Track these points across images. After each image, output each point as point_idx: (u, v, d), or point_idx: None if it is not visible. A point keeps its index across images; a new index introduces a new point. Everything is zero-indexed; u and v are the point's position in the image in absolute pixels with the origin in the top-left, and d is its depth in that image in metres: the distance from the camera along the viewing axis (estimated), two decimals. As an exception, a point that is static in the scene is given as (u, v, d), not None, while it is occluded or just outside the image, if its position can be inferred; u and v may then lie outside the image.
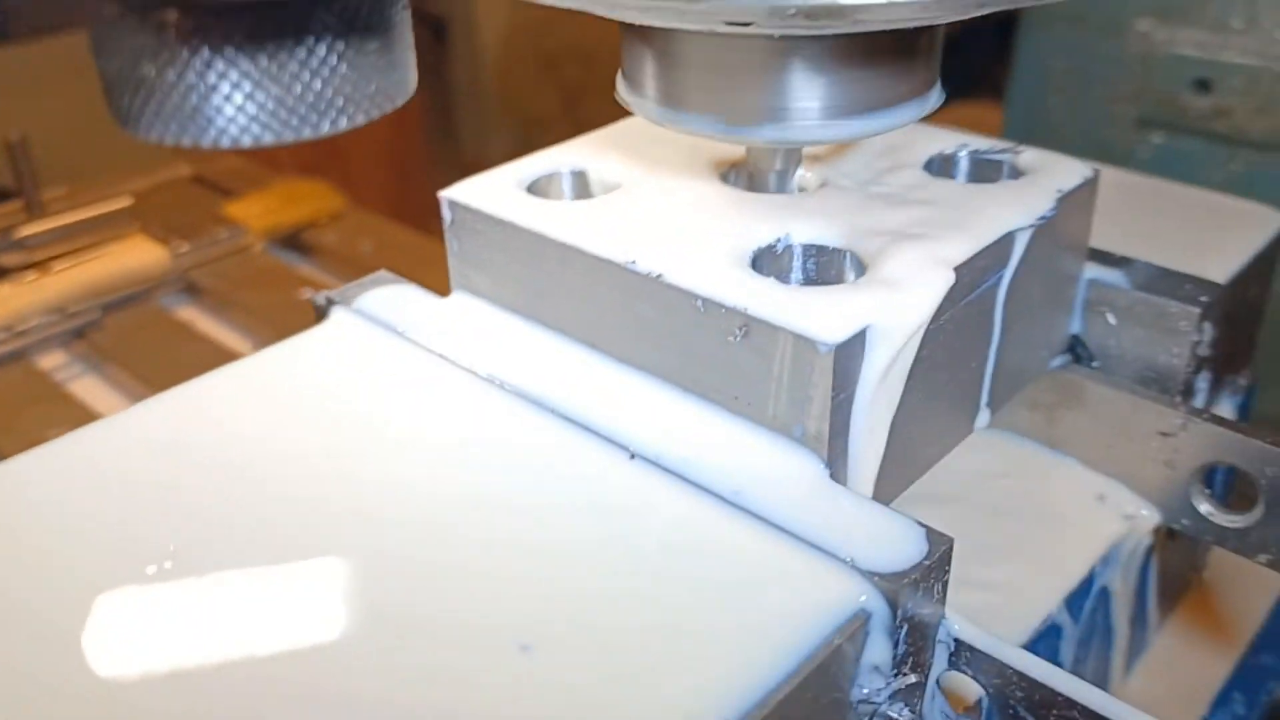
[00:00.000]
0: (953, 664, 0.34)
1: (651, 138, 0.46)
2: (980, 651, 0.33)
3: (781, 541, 0.32)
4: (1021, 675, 0.32)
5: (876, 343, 0.34)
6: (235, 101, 0.25)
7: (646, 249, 0.37)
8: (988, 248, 0.38)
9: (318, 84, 0.25)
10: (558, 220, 0.40)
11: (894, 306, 0.34)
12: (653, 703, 0.28)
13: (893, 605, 0.31)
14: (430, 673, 0.29)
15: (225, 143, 0.25)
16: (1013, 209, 0.39)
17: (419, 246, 1.01)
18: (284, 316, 0.87)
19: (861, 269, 0.37)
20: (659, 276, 0.36)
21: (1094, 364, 0.46)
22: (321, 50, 0.25)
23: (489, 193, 0.42)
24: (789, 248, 0.38)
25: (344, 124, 0.26)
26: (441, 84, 2.31)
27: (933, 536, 0.32)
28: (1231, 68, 0.88)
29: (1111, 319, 0.45)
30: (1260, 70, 0.86)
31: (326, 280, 0.95)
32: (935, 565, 0.31)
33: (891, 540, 0.32)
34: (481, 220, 0.41)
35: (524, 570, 0.32)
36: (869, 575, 0.31)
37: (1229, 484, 0.47)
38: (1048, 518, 0.45)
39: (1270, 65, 0.86)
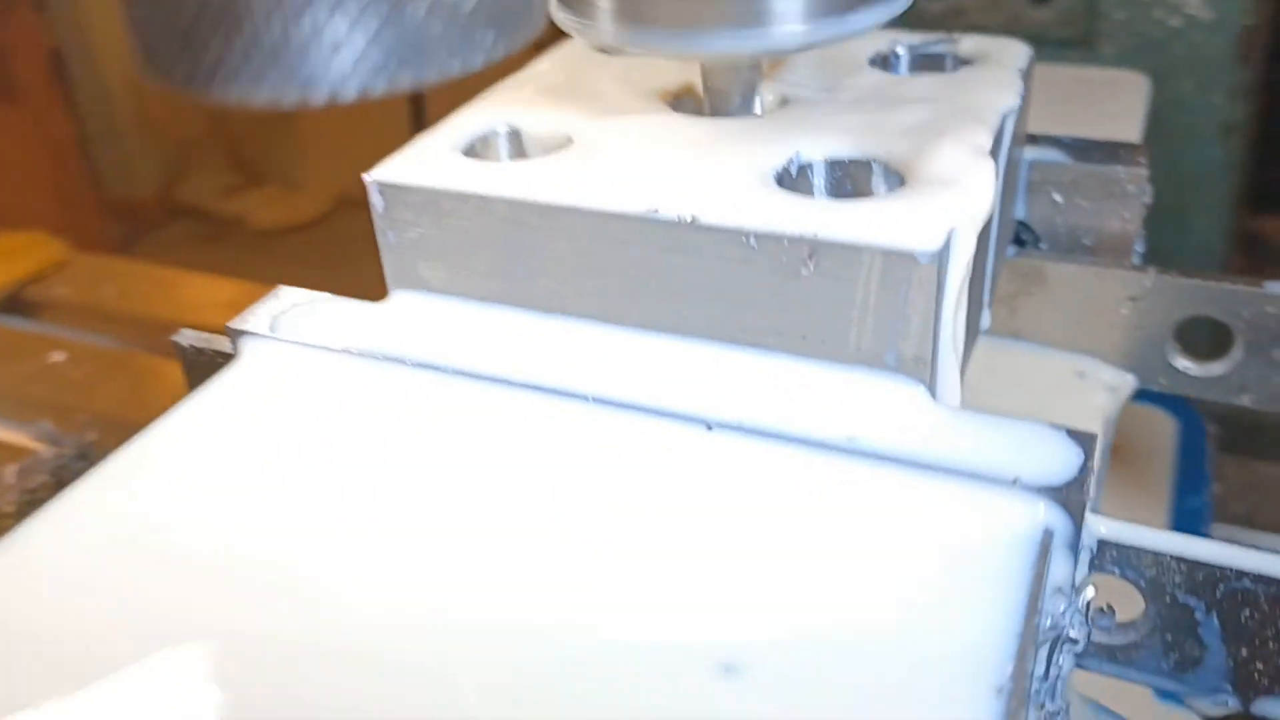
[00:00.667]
0: (1095, 567, 0.31)
1: (575, 80, 0.40)
2: (1129, 546, 0.31)
3: (937, 480, 0.28)
4: (1179, 559, 0.30)
5: (956, 245, 0.31)
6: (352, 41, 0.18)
7: (656, 194, 0.32)
8: (998, 133, 0.35)
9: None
10: (534, 181, 0.34)
11: (963, 204, 0.31)
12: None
13: (1073, 517, 0.28)
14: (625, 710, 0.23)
15: (324, 94, 0.18)
16: (996, 92, 0.38)
17: (168, 278, 0.90)
18: (34, 390, 0.74)
19: (893, 176, 0.33)
20: (692, 220, 0.31)
21: (1041, 246, 0.46)
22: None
23: (428, 167, 0.35)
24: (806, 166, 0.34)
25: (467, 65, 0.20)
26: (73, 119, 2.07)
27: (1079, 437, 0.29)
28: (962, -33, 0.91)
29: (1058, 197, 0.44)
30: (987, -34, 0.91)
31: (70, 340, 0.81)
32: (1092, 467, 0.29)
33: (1040, 450, 0.29)
34: (430, 199, 0.35)
35: (687, 579, 0.27)
36: (1042, 491, 0.28)
37: (1199, 336, 0.47)
38: (1039, 404, 0.44)
39: (996, -40, 0.90)
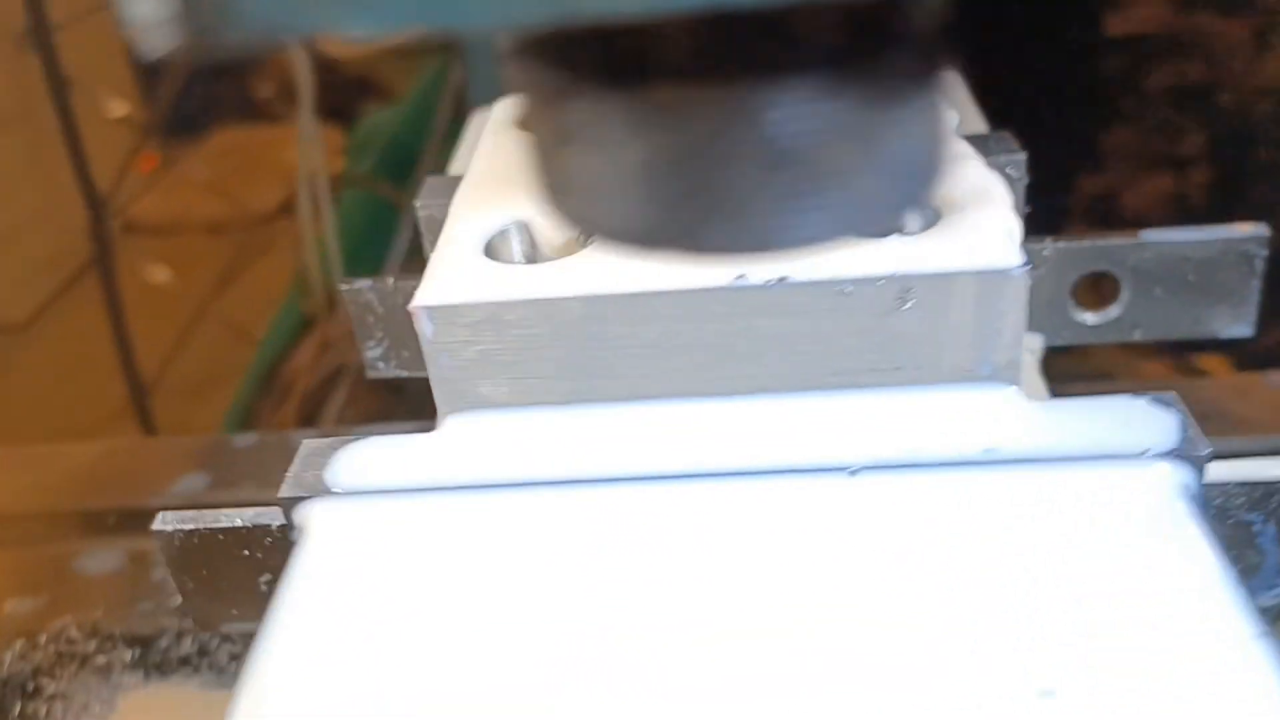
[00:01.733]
0: (1172, 508, 0.35)
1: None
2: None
3: (1081, 467, 0.31)
4: (1241, 484, 0.35)
5: (1015, 254, 0.34)
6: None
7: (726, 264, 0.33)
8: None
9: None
10: (603, 274, 0.33)
11: (1005, 211, 0.34)
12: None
13: (1198, 471, 0.31)
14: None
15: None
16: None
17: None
18: None
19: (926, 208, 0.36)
20: (782, 279, 0.32)
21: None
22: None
23: (476, 280, 0.34)
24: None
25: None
26: None
27: (1161, 400, 0.33)
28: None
29: (953, 192, 0.49)
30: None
31: None
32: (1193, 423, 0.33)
33: (1142, 419, 0.33)
34: (492, 313, 0.33)
35: (932, 619, 0.28)
36: (1168, 454, 0.31)
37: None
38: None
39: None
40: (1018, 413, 0.33)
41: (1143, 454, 0.31)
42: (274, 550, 0.38)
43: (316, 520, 0.33)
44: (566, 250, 0.36)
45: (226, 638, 0.62)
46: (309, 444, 0.35)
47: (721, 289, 0.32)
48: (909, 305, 0.32)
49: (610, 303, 0.33)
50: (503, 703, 0.27)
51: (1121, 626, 0.27)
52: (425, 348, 0.34)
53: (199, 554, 0.38)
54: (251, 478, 0.72)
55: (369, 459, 0.34)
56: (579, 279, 0.33)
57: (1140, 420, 0.32)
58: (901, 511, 0.31)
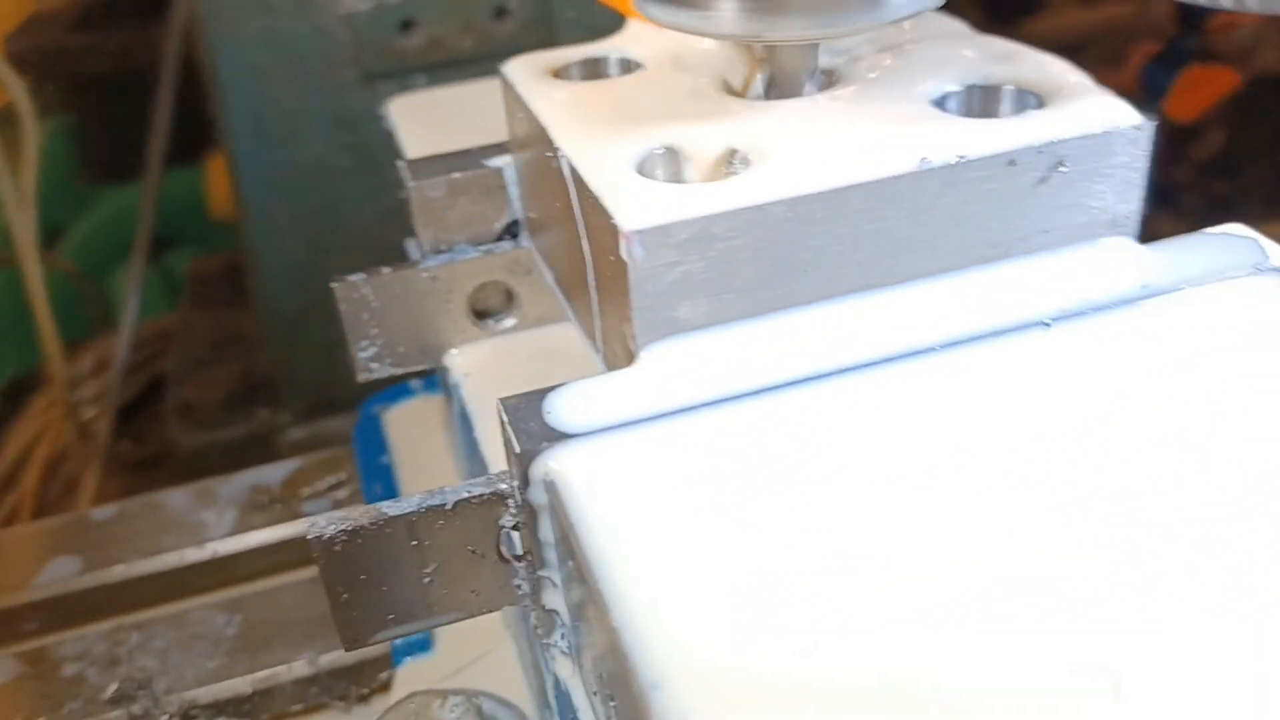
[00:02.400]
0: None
1: (637, 93, 0.40)
2: None
3: (1224, 285, 0.36)
4: None
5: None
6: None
7: (901, 150, 0.35)
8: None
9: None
10: (793, 177, 0.34)
11: (1101, 89, 0.38)
12: None
13: (1294, 275, 0.37)
14: None
15: None
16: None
17: None
18: None
19: (1026, 95, 0.39)
20: (960, 159, 0.35)
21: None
22: None
23: (676, 200, 0.33)
24: (943, 98, 0.39)
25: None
26: None
27: (1240, 230, 0.39)
28: (425, 2, 0.95)
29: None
30: (443, -6, 0.95)
31: None
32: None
33: (1234, 244, 0.38)
34: (702, 228, 0.33)
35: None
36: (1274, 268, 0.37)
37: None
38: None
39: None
40: (1142, 254, 0.37)
41: (1255, 269, 0.37)
42: (443, 534, 0.35)
43: (569, 466, 0.31)
44: (715, 171, 0.36)
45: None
46: (510, 400, 0.33)
47: (909, 174, 0.34)
48: (1065, 169, 0.36)
49: (810, 202, 0.34)
50: (858, 570, 0.27)
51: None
52: (633, 276, 0.33)
53: (360, 555, 0.35)
54: (132, 548, 0.64)
55: (585, 401, 0.33)
56: (775, 184, 0.34)
57: (1231, 244, 0.38)
58: (1095, 349, 0.34)
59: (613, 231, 0.33)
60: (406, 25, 0.96)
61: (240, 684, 0.57)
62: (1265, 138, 1.46)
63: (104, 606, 0.62)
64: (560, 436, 0.32)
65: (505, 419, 0.33)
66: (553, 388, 0.34)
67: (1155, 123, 0.36)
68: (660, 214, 0.33)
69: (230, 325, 1.22)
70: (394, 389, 0.68)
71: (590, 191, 0.35)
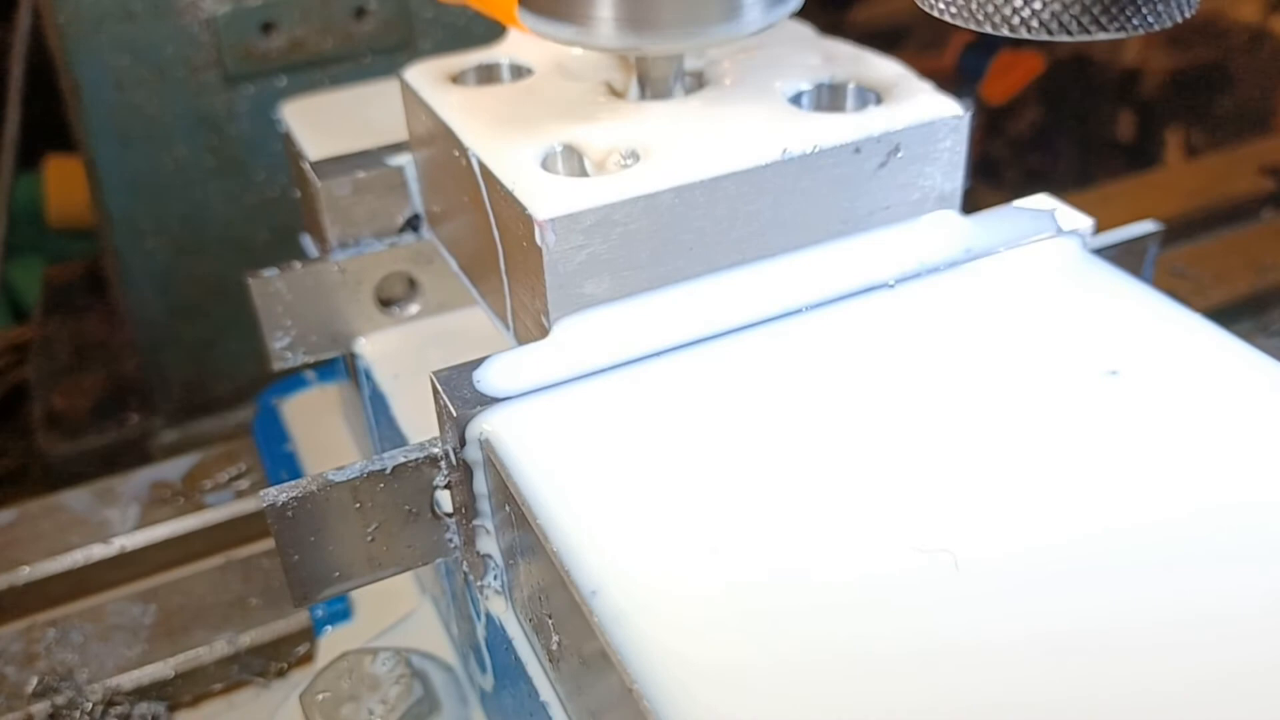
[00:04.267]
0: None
1: (530, 95, 0.45)
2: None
3: (1029, 249, 0.43)
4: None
5: (932, 112, 0.45)
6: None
7: (763, 142, 0.41)
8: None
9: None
10: (675, 168, 0.39)
11: (927, 85, 0.45)
12: None
13: (1084, 241, 0.45)
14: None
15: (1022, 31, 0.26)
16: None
17: None
18: None
19: (867, 92, 0.45)
20: (815, 148, 0.41)
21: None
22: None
23: (577, 191, 0.38)
24: (798, 96, 0.45)
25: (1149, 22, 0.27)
26: None
27: (1045, 200, 0.46)
28: (285, 4, 0.97)
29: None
30: (307, -3, 0.98)
31: None
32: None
33: (1027, 216, 0.45)
34: (604, 215, 0.38)
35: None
36: (1071, 232, 0.44)
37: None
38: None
39: (311, -9, 0.98)
40: (964, 224, 0.44)
41: (1056, 234, 0.44)
42: (383, 496, 0.40)
43: (502, 425, 0.36)
44: (607, 165, 0.42)
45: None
46: (441, 373, 0.38)
47: (774, 163, 0.40)
48: (900, 154, 0.42)
49: (693, 190, 0.39)
50: (796, 492, 0.33)
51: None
52: (546, 259, 0.38)
53: (309, 519, 0.39)
54: (39, 549, 0.65)
55: (510, 370, 0.38)
56: (664, 175, 0.39)
57: (1035, 216, 0.45)
58: (936, 303, 0.41)
59: (525, 221, 0.38)
60: (267, 27, 0.98)
61: (162, 668, 0.59)
62: (1069, 114, 1.60)
63: (14, 607, 0.63)
64: (490, 401, 0.37)
65: (440, 388, 0.37)
66: (479, 360, 0.38)
67: (971, 111, 0.43)
68: (568, 204, 0.38)
69: (92, 332, 1.21)
70: (289, 381, 0.71)
71: (501, 186, 0.39)
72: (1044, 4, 0.27)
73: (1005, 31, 0.27)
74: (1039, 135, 1.60)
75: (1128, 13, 0.27)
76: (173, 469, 0.71)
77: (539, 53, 0.49)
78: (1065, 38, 0.27)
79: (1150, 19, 0.27)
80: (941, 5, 0.29)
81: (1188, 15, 0.28)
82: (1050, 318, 0.40)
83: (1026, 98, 1.56)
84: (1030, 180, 1.52)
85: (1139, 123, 1.58)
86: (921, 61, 0.45)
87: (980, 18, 0.28)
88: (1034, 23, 0.27)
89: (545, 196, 0.38)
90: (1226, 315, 0.80)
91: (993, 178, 1.55)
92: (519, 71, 0.49)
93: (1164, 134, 1.55)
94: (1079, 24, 0.27)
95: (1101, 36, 0.27)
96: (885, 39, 1.68)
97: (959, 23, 0.28)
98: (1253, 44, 1.48)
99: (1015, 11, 0.27)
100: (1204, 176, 0.97)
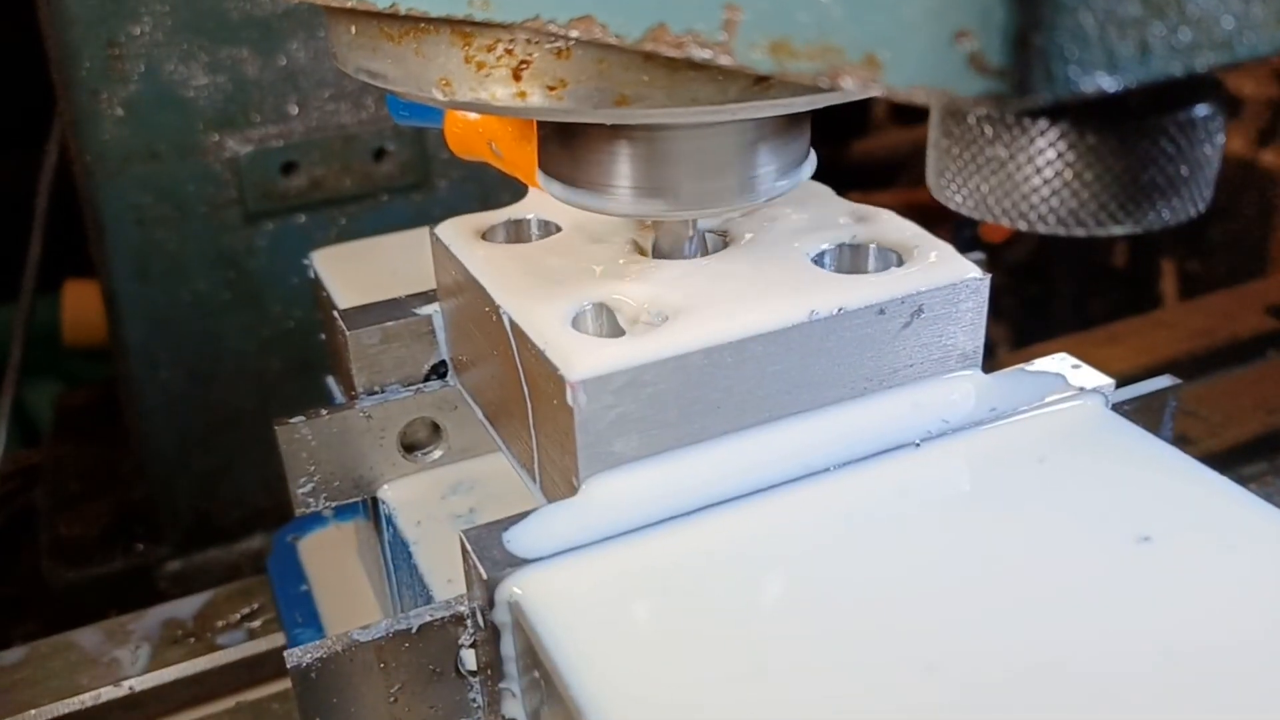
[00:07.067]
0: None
1: (554, 256, 0.46)
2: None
3: (1053, 409, 0.44)
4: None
5: (952, 272, 0.46)
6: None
7: (789, 304, 0.42)
8: (854, 208, 0.51)
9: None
10: (701, 330, 0.40)
11: (947, 247, 0.46)
12: None
13: (1107, 399, 0.46)
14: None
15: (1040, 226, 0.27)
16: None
17: None
18: None
19: (888, 253, 0.46)
20: (840, 310, 0.42)
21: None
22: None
23: (609, 352, 0.39)
24: (820, 255, 0.46)
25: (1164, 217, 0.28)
26: None
27: (1069, 359, 0.47)
28: (306, 145, 1.00)
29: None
30: (328, 139, 1.00)
31: None
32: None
33: (1049, 380, 0.46)
34: (634, 376, 0.39)
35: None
36: (1094, 391, 0.45)
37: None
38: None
39: (332, 133, 1.00)
40: (988, 383, 0.45)
41: (1080, 391, 0.45)
42: (407, 655, 0.39)
43: (533, 589, 0.36)
44: (636, 324, 0.43)
45: None
46: (470, 532, 0.38)
47: (801, 324, 0.41)
48: (923, 315, 0.43)
49: (721, 351, 0.40)
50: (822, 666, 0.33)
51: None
52: (578, 418, 0.38)
53: (333, 680, 0.38)
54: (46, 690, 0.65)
55: (540, 530, 0.38)
56: (693, 336, 0.40)
57: (1053, 376, 0.46)
58: (961, 461, 0.41)
59: (556, 380, 0.39)
60: (288, 168, 1.00)
61: (169, 816, 0.58)
62: (1066, 243, 1.63)
63: (20, 752, 0.62)
64: (520, 562, 0.37)
65: (469, 548, 0.38)
66: (510, 519, 0.39)
67: (989, 276, 0.44)
68: (599, 365, 0.38)
69: (102, 458, 1.21)
70: (307, 519, 0.71)
71: (533, 345, 0.40)
72: (1061, 201, 0.28)
73: (1022, 226, 0.28)
74: (1037, 264, 1.63)
75: (1144, 208, 0.28)
76: (185, 607, 0.71)
77: (564, 209, 0.50)
78: (1081, 232, 0.28)
79: (1166, 214, 0.28)
80: (959, 199, 0.30)
81: (1202, 210, 0.28)
82: (1077, 480, 0.40)
83: (1022, 231, 1.59)
84: (1028, 309, 1.54)
85: (1133, 252, 1.61)
86: (920, 195, 0.46)
87: (998, 212, 0.29)
88: (1051, 219, 0.28)
89: (577, 357, 0.39)
90: (1239, 455, 0.81)
91: (992, 306, 1.57)
92: (546, 226, 0.50)
93: (1159, 262, 1.58)
94: (1096, 220, 0.27)
95: (1118, 230, 0.28)
96: (883, 172, 1.72)
97: (976, 216, 0.29)
98: (1243, 175, 1.52)
99: (1033, 208, 0.28)
100: (1210, 316, 0.99)
